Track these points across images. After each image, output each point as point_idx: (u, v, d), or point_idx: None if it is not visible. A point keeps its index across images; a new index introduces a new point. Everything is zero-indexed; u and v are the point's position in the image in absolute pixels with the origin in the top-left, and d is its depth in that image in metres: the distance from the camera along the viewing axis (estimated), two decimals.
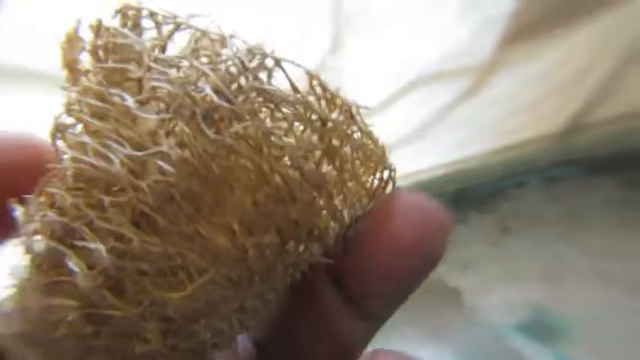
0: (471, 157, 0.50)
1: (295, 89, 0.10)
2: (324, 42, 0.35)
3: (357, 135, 0.11)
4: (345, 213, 0.11)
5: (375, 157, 0.11)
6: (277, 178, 0.09)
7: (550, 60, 0.45)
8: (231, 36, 0.10)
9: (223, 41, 0.09)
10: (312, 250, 0.11)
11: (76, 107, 0.09)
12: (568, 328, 0.42)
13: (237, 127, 0.09)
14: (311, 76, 0.10)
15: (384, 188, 0.12)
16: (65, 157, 0.09)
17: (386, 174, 0.11)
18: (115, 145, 0.09)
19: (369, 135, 0.11)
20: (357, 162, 0.11)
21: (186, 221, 0.09)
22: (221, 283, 0.09)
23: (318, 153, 0.10)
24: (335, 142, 0.10)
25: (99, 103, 0.09)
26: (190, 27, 0.10)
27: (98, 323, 0.09)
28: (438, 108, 0.44)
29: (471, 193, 0.53)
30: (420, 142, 0.45)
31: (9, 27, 0.27)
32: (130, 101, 0.09)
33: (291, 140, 0.09)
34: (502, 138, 0.50)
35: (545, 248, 0.49)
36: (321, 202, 0.10)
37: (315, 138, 0.10)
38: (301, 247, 0.11)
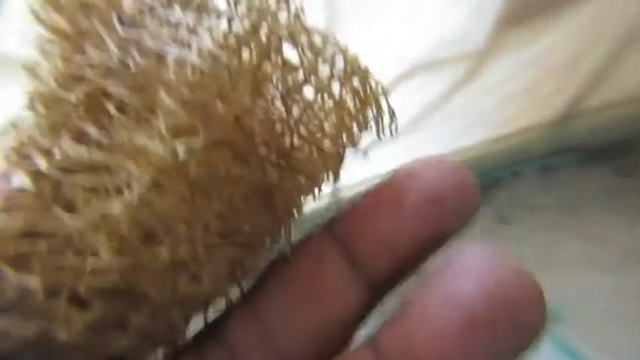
0: (468, 148, 0.50)
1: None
2: None
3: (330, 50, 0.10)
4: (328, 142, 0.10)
5: (353, 72, 0.10)
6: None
7: (545, 45, 0.45)
8: None
9: None
10: (289, 178, 0.10)
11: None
12: (562, 311, 0.43)
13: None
14: None
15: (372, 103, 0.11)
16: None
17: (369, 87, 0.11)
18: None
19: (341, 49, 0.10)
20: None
21: (120, 129, 0.09)
22: (168, 198, 0.09)
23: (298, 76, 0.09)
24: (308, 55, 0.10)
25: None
26: None
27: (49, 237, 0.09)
28: (433, 97, 0.44)
29: None
30: (415, 133, 0.44)
31: (11, 20, 0.27)
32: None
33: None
34: (498, 127, 0.50)
35: (540, 237, 0.49)
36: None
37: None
38: (273, 174, 0.10)
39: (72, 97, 0.09)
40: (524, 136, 0.52)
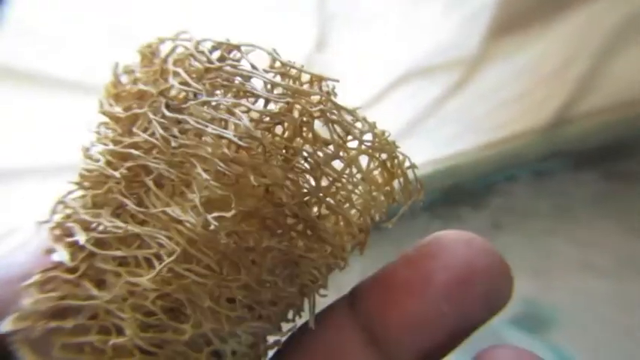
0: (462, 153, 0.50)
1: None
2: (311, 39, 0.34)
3: (359, 128, 0.10)
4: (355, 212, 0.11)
5: (381, 147, 0.11)
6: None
7: (537, 52, 0.45)
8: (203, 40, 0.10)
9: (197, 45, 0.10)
10: (315, 249, 0.10)
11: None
12: (554, 317, 0.43)
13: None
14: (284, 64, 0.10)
15: (401, 176, 0.11)
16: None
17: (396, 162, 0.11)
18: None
19: (370, 125, 0.10)
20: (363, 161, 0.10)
21: (156, 202, 0.09)
22: (196, 270, 0.09)
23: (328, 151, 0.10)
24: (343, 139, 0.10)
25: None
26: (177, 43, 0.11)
27: (76, 312, 0.09)
28: (426, 103, 0.44)
29: (462, 189, 0.54)
30: (409, 139, 0.44)
31: (14, 27, 0.27)
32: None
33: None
34: (492, 132, 0.50)
35: (534, 242, 0.50)
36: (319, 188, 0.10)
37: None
38: (299, 243, 0.10)
39: (117, 175, 0.10)
40: (517, 141, 0.52)
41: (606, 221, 0.51)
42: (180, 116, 0.10)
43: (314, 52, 0.34)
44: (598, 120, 0.54)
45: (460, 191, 0.53)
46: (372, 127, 0.10)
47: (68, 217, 0.10)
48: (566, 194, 0.54)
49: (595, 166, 0.55)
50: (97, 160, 0.10)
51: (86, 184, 0.10)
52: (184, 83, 0.10)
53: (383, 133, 0.11)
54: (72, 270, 0.09)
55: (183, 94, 0.10)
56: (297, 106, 0.10)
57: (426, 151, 0.48)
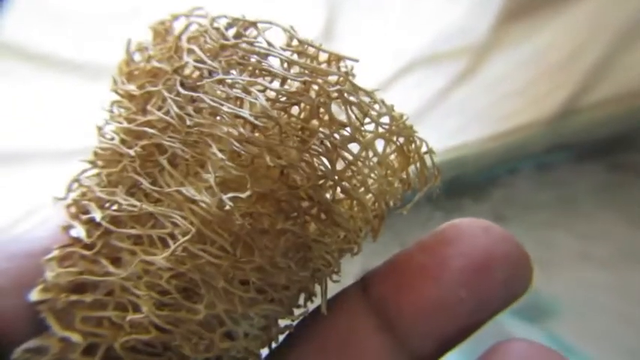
0: (465, 145, 0.50)
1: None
2: (317, 27, 0.34)
3: (376, 108, 0.10)
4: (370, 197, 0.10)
5: (399, 131, 0.10)
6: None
7: (543, 42, 0.45)
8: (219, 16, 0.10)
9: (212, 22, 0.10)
10: (329, 233, 0.10)
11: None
12: (555, 307, 0.44)
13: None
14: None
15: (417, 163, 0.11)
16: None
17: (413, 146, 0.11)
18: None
19: (387, 107, 0.10)
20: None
21: (170, 182, 0.09)
22: (210, 251, 0.09)
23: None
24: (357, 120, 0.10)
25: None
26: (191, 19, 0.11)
27: (93, 288, 0.09)
28: (432, 92, 0.43)
29: (465, 181, 0.53)
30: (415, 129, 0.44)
31: (19, 7, 0.26)
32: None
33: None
34: (496, 124, 0.50)
35: (537, 233, 0.50)
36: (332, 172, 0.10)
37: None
38: (313, 227, 0.10)
39: (131, 153, 0.10)
40: (522, 133, 0.52)
41: (608, 213, 0.51)
42: (195, 94, 0.09)
43: (320, 41, 0.34)
44: (603, 112, 0.54)
45: (462, 183, 0.53)
46: (390, 110, 0.10)
47: (83, 195, 0.10)
48: (569, 186, 0.54)
49: (598, 158, 0.55)
50: (112, 139, 0.10)
51: (100, 162, 0.10)
52: (199, 60, 0.10)
53: (401, 116, 0.10)
54: (89, 247, 0.10)
55: (197, 72, 0.10)
56: (314, 86, 0.10)
57: (430, 142, 0.48)
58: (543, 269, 0.47)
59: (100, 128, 0.11)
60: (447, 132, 0.49)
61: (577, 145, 0.55)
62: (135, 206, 0.09)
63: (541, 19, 0.43)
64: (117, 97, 0.11)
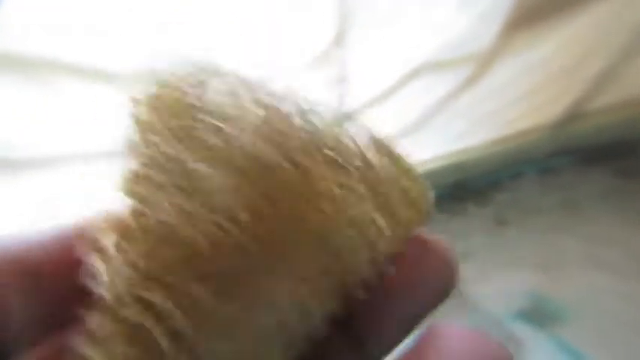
0: (470, 149, 0.50)
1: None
2: (328, 33, 0.35)
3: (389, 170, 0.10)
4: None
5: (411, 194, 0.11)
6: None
7: (549, 49, 0.45)
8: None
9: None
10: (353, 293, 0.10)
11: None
12: (562, 312, 0.44)
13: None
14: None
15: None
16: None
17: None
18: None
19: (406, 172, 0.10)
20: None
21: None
22: None
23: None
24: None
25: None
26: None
27: None
28: (438, 98, 0.44)
29: (469, 185, 0.54)
30: (419, 134, 0.45)
31: (12, 14, 0.27)
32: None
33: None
34: (500, 128, 0.51)
35: (540, 237, 0.50)
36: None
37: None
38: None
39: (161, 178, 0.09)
40: (526, 137, 0.53)
41: (612, 217, 0.51)
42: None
43: (331, 47, 0.35)
44: (608, 117, 0.54)
45: (466, 187, 0.54)
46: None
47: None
48: (573, 190, 0.55)
49: (602, 163, 0.55)
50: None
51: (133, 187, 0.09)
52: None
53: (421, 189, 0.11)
54: None
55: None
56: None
57: (435, 146, 0.49)
58: (548, 273, 0.47)
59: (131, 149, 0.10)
60: (451, 136, 0.49)
61: (581, 150, 0.56)
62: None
63: (546, 28, 0.43)
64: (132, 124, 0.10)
